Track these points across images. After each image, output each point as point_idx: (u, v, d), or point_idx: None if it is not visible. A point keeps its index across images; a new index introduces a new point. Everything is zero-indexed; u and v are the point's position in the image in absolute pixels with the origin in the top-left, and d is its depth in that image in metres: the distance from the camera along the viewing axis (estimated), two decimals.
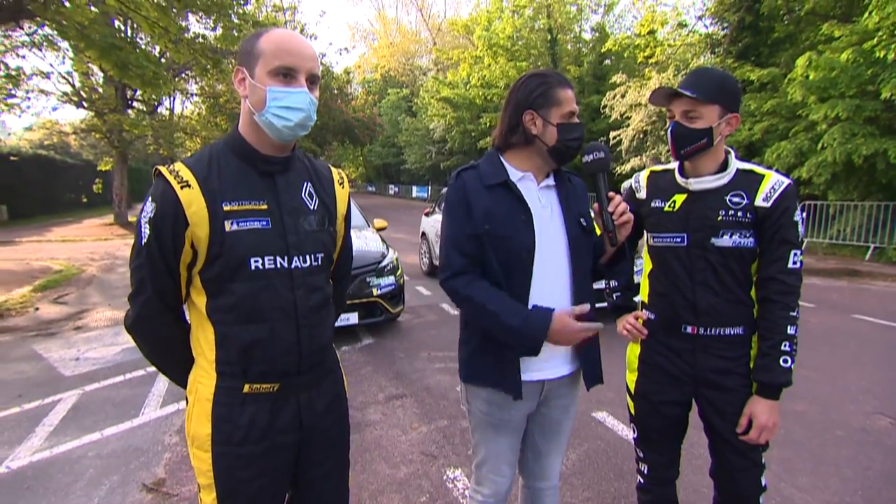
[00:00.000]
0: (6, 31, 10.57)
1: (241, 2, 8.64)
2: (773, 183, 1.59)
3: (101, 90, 16.04)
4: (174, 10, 8.11)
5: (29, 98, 14.65)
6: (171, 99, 22.04)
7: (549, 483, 1.73)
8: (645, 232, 1.82)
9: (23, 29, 9.18)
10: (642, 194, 1.80)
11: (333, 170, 1.54)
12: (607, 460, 2.95)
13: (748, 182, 1.61)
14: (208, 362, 1.30)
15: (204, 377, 1.31)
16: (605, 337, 1.58)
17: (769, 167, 1.72)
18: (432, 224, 8.58)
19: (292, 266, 1.32)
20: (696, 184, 1.65)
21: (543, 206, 1.53)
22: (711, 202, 1.62)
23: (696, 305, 1.64)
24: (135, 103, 17.20)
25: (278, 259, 1.29)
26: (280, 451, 1.35)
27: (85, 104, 15.77)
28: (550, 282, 1.51)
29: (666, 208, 1.70)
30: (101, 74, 14.98)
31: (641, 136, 15.08)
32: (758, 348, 1.62)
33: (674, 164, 1.75)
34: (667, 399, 1.74)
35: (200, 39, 9.33)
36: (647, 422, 1.83)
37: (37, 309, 6.82)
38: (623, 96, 15.24)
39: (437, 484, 2.76)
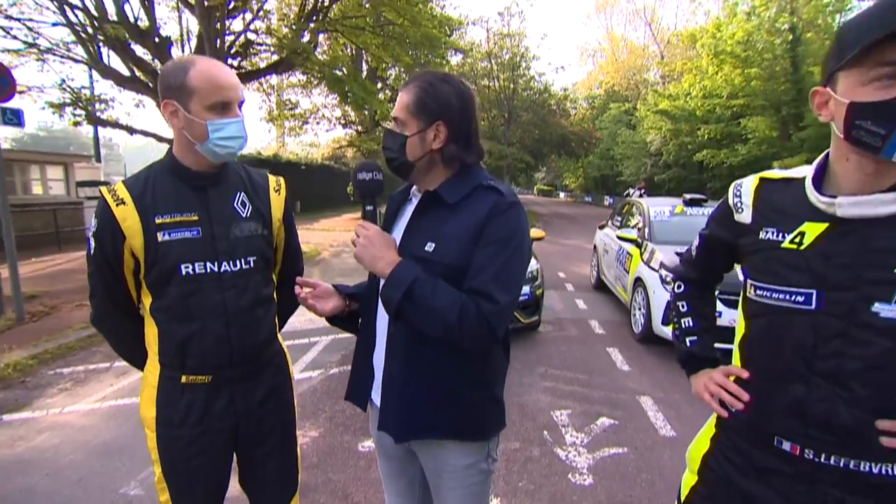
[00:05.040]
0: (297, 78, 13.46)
1: (448, 34, 9.27)
2: None
3: (366, 113, 19.22)
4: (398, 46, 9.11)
5: (318, 123, 18.50)
6: None
7: None
8: (744, 279, 1.09)
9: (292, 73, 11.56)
10: (745, 216, 1.09)
11: (271, 178, 1.54)
12: None
13: None
14: (154, 354, 1.41)
15: (151, 367, 1.42)
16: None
17: None
18: (602, 237, 7.84)
19: (222, 270, 1.36)
20: (851, 206, 0.91)
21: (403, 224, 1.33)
22: (881, 240, 0.89)
23: (807, 413, 0.96)
24: (381, 123, 20.07)
25: (208, 264, 1.34)
26: (216, 435, 1.42)
27: (351, 125, 18.99)
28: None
29: (787, 244, 0.99)
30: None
31: None
32: None
33: (801, 172, 1.04)
34: None
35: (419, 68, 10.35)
36: None
37: None
38: None
39: None
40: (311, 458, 2.95)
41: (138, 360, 1.49)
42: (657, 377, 4.35)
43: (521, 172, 38.83)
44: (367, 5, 9.51)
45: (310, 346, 4.99)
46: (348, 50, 12.87)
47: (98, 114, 8.99)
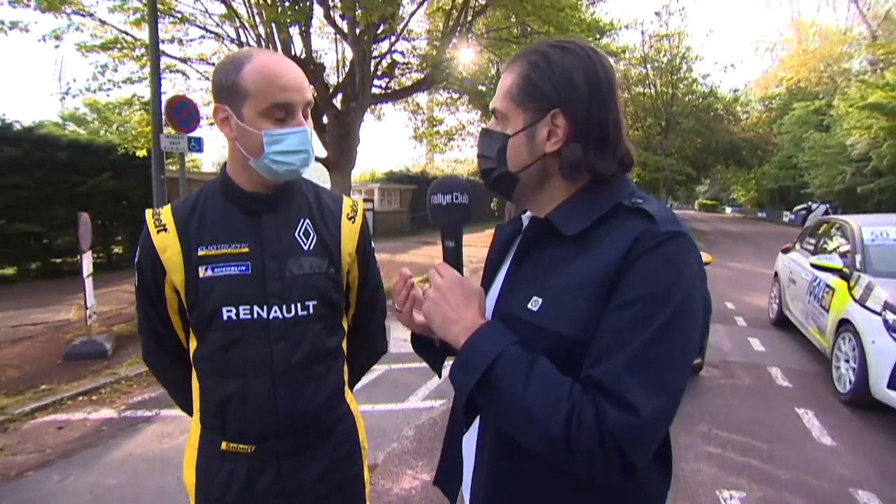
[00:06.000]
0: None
1: (597, 38, 8.58)
2: None
3: None
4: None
5: (464, 140, 19.24)
6: None
7: None
8: None
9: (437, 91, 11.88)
10: None
11: (346, 201, 1.24)
12: None
13: None
14: (196, 410, 1.20)
15: (195, 425, 1.22)
16: None
17: None
18: (787, 263, 6.36)
19: (270, 317, 1.09)
20: None
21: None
22: None
23: None
24: None
25: (255, 309, 1.08)
26: None
27: None
28: None
29: None
30: None
31: None
32: None
33: None
34: None
35: None
36: None
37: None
38: None
39: None
40: None
41: (191, 409, 1.28)
42: (883, 463, 3.15)
43: (680, 185, 35.12)
44: (512, 18, 9.36)
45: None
46: (494, 66, 12.89)
47: None
